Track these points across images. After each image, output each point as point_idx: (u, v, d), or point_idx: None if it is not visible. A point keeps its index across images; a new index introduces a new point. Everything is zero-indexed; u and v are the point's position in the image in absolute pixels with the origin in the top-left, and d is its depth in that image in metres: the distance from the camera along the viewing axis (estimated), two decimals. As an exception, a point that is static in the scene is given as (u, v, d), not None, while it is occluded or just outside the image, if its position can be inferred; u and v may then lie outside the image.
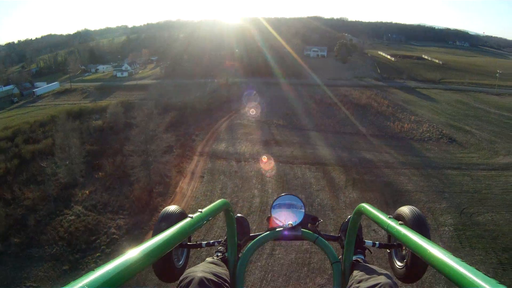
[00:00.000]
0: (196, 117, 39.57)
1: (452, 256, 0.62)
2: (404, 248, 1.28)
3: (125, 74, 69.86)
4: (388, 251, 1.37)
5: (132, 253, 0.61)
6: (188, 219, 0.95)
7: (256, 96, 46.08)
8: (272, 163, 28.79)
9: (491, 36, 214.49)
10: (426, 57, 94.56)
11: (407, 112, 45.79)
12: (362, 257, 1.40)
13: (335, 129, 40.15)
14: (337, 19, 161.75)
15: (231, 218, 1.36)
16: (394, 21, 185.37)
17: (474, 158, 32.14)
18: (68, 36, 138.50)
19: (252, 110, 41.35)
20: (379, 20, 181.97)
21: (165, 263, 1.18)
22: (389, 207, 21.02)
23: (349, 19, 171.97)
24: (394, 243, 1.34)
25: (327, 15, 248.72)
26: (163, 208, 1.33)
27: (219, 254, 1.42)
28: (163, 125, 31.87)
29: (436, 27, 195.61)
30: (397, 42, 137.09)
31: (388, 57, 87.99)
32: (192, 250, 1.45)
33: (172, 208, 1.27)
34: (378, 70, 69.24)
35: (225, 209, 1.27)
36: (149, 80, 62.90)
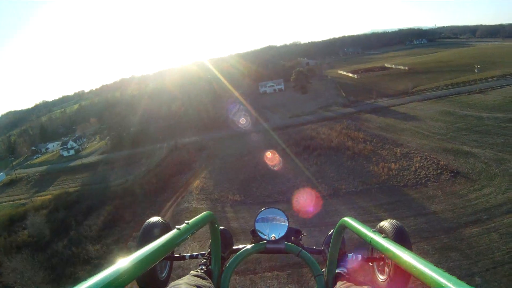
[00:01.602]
0: (136, 207, 39.19)
1: (435, 267, 0.79)
2: (386, 261, 1.53)
3: (72, 152, 75.63)
4: (371, 264, 1.65)
5: (119, 265, 0.73)
6: (175, 231, 1.17)
7: (208, 159, 48.14)
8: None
9: (444, 27, 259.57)
10: (389, 65, 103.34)
11: (389, 143, 45.14)
12: (345, 270, 1.71)
13: (306, 202, 36.02)
14: (290, 44, 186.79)
15: (216, 230, 1.71)
16: (346, 34, 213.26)
17: (492, 196, 29.78)
18: (28, 111, 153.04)
19: (202, 185, 41.33)
20: (332, 37, 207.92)
21: (149, 275, 1.41)
22: None
23: (302, 42, 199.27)
24: (377, 256, 1.62)
25: (279, 43, 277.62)
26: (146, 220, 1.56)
27: (203, 267, 1.71)
28: (95, 229, 33.05)
29: (389, 30, 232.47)
30: (354, 55, 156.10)
31: (350, 75, 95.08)
32: (175, 262, 1.72)
33: (155, 219, 1.54)
34: (343, 94, 73.34)
35: (211, 221, 1.62)
36: (95, 156, 68.04)
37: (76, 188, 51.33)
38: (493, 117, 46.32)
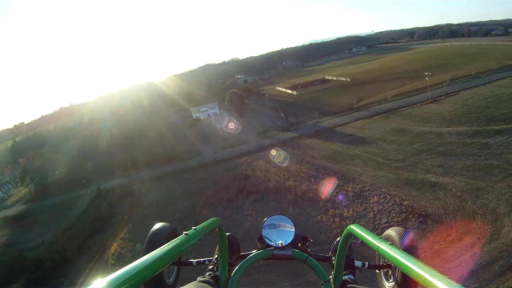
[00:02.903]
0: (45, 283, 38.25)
1: (441, 276, 0.90)
2: (393, 268, 1.77)
3: (-5, 203, 74.09)
4: (378, 271, 1.91)
5: (127, 269, 0.85)
6: (182, 236, 1.36)
7: (130, 210, 48.24)
8: None
9: (381, 32, 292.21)
10: (329, 77, 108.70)
11: (338, 178, 42.53)
12: (352, 277, 2.03)
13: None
14: (229, 61, 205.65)
15: (223, 237, 1.97)
16: (285, 47, 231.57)
17: (477, 249, 26.23)
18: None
19: (120, 250, 40.52)
20: (270, 50, 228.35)
21: (156, 280, 1.64)
22: None
23: (241, 58, 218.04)
24: (383, 264, 1.87)
25: (218, 60, 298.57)
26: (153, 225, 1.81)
27: (210, 272, 2.01)
28: None
29: (327, 40, 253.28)
30: (293, 67, 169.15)
31: (289, 91, 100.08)
32: (182, 268, 1.96)
33: (163, 225, 1.78)
34: (282, 115, 75.74)
35: (218, 227, 1.87)
36: (19, 207, 67.92)
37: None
38: (454, 132, 46.07)
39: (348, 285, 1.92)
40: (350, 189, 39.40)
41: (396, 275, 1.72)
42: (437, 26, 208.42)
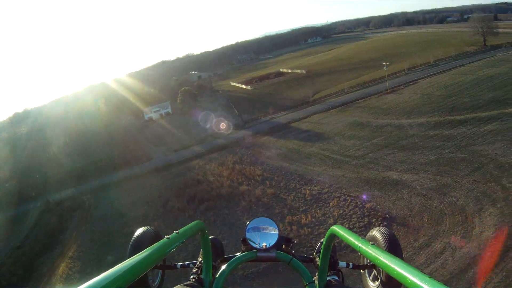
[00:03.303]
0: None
1: (424, 275, 0.95)
2: (377, 268, 1.87)
3: None
4: (362, 271, 2.02)
5: (109, 273, 0.88)
6: (165, 240, 1.43)
7: (80, 224, 47.40)
8: None
9: (337, 22, 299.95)
10: (285, 70, 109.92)
11: (294, 180, 41.11)
12: (336, 278, 2.10)
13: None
14: (183, 57, 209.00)
15: (206, 240, 2.09)
16: (240, 41, 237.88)
17: (447, 255, 24.83)
18: None
19: (68, 271, 39.71)
20: (225, 44, 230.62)
21: (141, 284, 1.69)
22: None
23: (196, 53, 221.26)
24: (367, 264, 1.98)
25: (172, 56, 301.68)
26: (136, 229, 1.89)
27: (194, 276, 2.10)
28: None
29: (282, 31, 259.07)
30: (248, 61, 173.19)
31: (243, 86, 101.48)
32: (167, 271, 2.09)
33: (146, 229, 1.86)
34: (236, 111, 76.19)
35: (201, 230, 1.98)
36: None
37: None
38: (416, 124, 45.77)
39: (333, 286, 2.00)
40: (307, 192, 37.71)
41: (381, 275, 1.77)
42: (392, 14, 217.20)
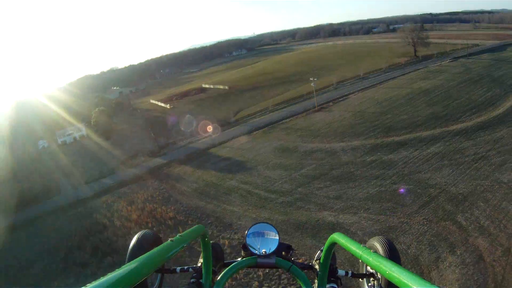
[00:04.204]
0: None
1: (426, 282, 1.00)
2: (377, 276, 1.96)
3: None
4: (361, 280, 2.11)
5: (110, 277, 0.93)
6: (166, 244, 1.50)
7: None
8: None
9: (263, 34, 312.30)
10: (207, 85, 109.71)
11: (211, 225, 37.25)
12: (335, 286, 2.15)
13: None
14: (108, 71, 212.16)
15: (207, 244, 2.17)
16: (164, 54, 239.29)
17: None
18: None
19: None
20: (150, 58, 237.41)
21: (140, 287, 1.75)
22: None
23: (120, 67, 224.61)
24: (367, 272, 2.07)
25: (97, 70, 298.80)
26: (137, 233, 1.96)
27: (194, 280, 2.16)
28: None
29: (208, 44, 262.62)
30: (171, 75, 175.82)
31: (162, 104, 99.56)
32: (166, 276, 2.15)
33: (146, 232, 1.93)
34: (152, 134, 72.86)
35: (202, 234, 2.08)
36: None
37: None
38: (349, 148, 42.89)
39: None
40: (226, 241, 32.63)
41: (380, 283, 1.86)
42: (318, 26, 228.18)
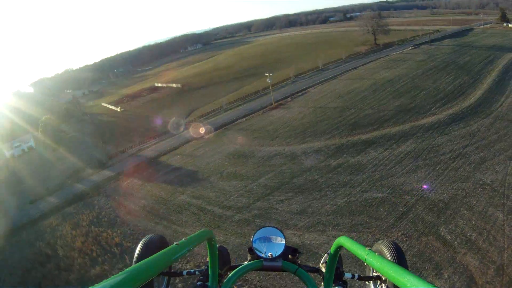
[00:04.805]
0: None
1: (429, 285, 1.01)
2: (383, 279, 1.94)
3: None
4: (367, 283, 2.10)
5: (116, 279, 0.96)
6: (172, 246, 1.53)
7: None
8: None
9: (219, 27, 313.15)
10: (159, 84, 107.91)
11: None
12: None
13: None
14: (62, 73, 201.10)
15: (214, 248, 2.17)
16: (119, 52, 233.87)
17: None
18: None
19: None
20: (105, 57, 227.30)
21: None
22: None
23: (75, 68, 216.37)
24: (373, 275, 2.04)
25: (51, 73, 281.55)
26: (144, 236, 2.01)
27: (200, 283, 2.17)
28: None
29: (163, 40, 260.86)
30: (126, 74, 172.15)
31: (113, 108, 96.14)
32: (172, 279, 2.18)
33: (153, 235, 1.97)
34: (101, 143, 70.59)
35: (208, 238, 2.08)
36: None
37: None
38: (311, 150, 39.44)
39: None
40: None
41: (387, 286, 1.85)
42: (274, 17, 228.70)
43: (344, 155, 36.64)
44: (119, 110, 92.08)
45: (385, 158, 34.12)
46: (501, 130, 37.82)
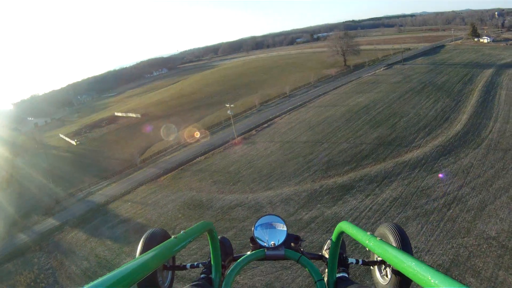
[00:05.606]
0: None
1: (434, 270, 0.98)
2: (387, 264, 1.91)
3: None
4: (372, 267, 2.06)
5: (117, 273, 0.97)
6: (172, 239, 1.53)
7: None
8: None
9: (186, 51, 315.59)
10: (119, 114, 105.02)
11: None
12: (346, 275, 2.18)
13: None
14: (28, 99, 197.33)
15: (215, 239, 2.17)
16: (85, 77, 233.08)
17: None
18: None
19: None
20: (71, 82, 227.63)
21: (151, 285, 1.81)
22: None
23: (40, 94, 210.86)
24: (377, 260, 2.02)
25: (17, 99, 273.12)
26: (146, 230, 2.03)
27: (203, 276, 2.20)
28: None
29: (129, 65, 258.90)
30: (89, 101, 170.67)
31: (69, 140, 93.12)
32: (177, 272, 2.18)
33: (155, 229, 1.97)
34: (51, 182, 65.97)
35: (209, 229, 2.08)
36: None
37: None
38: (279, 199, 35.20)
39: (343, 283, 2.08)
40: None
41: (390, 270, 1.84)
42: (241, 39, 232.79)
43: (318, 205, 32.03)
44: (74, 144, 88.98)
45: (367, 208, 29.50)
46: (497, 163, 33.95)
